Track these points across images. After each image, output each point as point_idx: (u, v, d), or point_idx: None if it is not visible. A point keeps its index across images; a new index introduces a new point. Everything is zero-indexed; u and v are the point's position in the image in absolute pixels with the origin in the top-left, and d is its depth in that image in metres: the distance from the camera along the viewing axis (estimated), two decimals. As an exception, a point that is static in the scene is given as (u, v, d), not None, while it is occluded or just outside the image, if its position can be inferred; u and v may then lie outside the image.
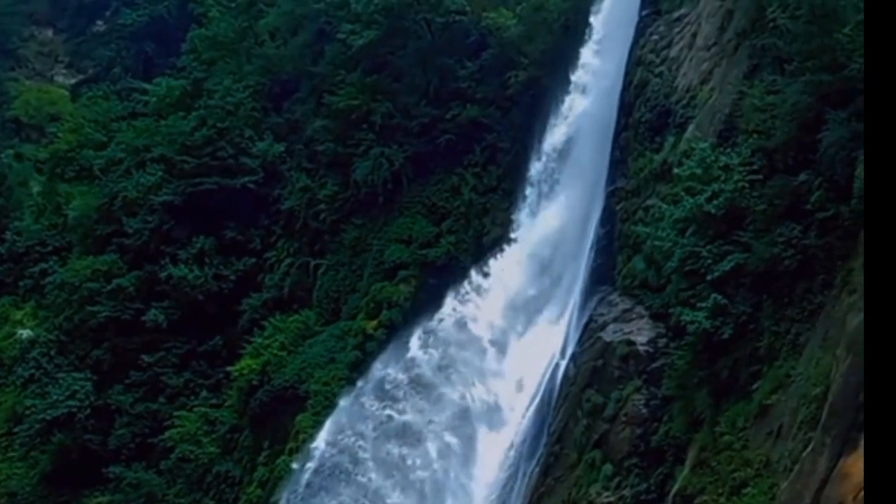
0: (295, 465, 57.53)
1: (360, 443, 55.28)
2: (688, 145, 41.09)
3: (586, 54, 54.87)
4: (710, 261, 36.46)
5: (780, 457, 32.11)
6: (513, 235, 58.11)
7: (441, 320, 57.11)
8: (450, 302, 57.74)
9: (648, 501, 38.51)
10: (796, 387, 32.61)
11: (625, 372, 40.94)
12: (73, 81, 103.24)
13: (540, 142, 57.84)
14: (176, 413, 66.92)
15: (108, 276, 70.62)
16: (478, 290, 57.71)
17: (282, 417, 61.45)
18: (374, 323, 60.71)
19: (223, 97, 71.28)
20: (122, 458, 67.48)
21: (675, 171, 40.31)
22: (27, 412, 70.19)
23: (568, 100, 55.83)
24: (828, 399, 30.06)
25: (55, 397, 68.93)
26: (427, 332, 56.96)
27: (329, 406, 58.77)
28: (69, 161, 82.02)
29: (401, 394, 55.73)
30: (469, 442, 52.55)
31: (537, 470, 43.73)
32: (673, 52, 45.90)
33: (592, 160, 51.31)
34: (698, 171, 37.85)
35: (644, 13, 48.60)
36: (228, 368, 65.46)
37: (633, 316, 42.06)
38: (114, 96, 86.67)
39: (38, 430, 69.68)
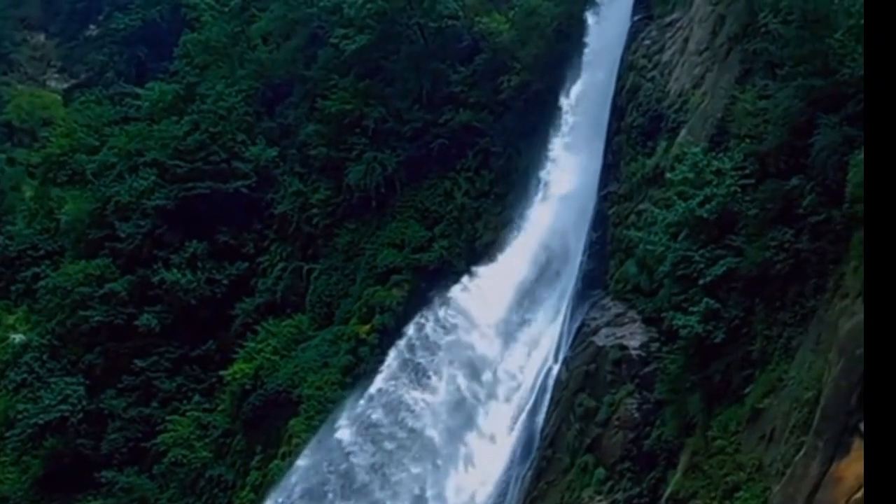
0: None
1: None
2: (680, 150, 41.13)
3: None
4: (702, 265, 36.48)
5: (773, 461, 32.14)
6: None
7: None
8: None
9: (641, 505, 38.54)
10: (788, 391, 32.66)
11: (617, 376, 40.95)
12: (65, 86, 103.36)
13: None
14: (169, 417, 66.90)
15: (101, 280, 70.58)
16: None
17: (275, 422, 61.45)
18: (367, 327, 60.76)
19: (216, 101, 71.31)
20: (114, 462, 67.44)
21: (668, 175, 40.36)
22: (19, 416, 70.14)
23: None
24: (820, 403, 30.11)
25: (47, 402, 68.87)
26: None
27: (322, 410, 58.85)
28: (62, 165, 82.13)
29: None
30: None
31: (530, 474, 43.71)
32: (665, 56, 45.95)
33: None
34: (690, 175, 37.90)
35: (636, 18, 48.66)
36: (221, 373, 65.45)
37: (626, 320, 42.08)
38: (106, 101, 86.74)
39: (30, 434, 69.64)
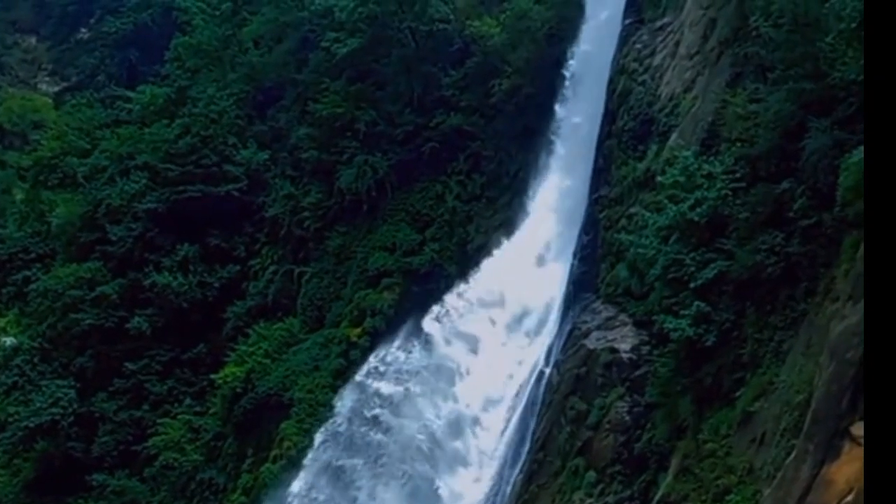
0: None
1: None
2: (671, 153, 41.14)
3: None
4: (693, 268, 36.48)
5: (764, 464, 32.15)
6: None
7: None
8: None
9: (632, 508, 38.59)
10: (779, 394, 32.68)
11: (608, 379, 40.99)
12: (56, 89, 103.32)
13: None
14: (160, 420, 66.91)
15: (92, 283, 70.54)
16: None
17: (266, 425, 61.45)
18: (358, 330, 60.78)
19: (207, 105, 71.30)
20: (105, 465, 67.47)
21: (659, 179, 40.33)
22: (10, 420, 70.09)
23: None
24: (811, 406, 30.11)
25: (38, 405, 68.81)
26: None
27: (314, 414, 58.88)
28: (53, 168, 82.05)
29: None
30: None
31: (521, 477, 43.76)
32: (656, 60, 45.98)
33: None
34: (681, 179, 37.89)
35: (627, 22, 48.71)
36: (212, 376, 65.44)
37: (617, 323, 42.12)
38: (97, 104, 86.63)
39: (21, 437, 69.62)
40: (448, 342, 55.24)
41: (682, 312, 36.35)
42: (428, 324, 56.20)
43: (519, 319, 53.52)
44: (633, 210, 43.75)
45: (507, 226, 58.04)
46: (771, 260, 34.42)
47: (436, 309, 56.52)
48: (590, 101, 51.66)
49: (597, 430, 40.43)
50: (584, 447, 40.76)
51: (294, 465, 57.73)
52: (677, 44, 45.00)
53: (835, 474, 28.44)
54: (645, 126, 45.10)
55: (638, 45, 47.11)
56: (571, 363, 42.64)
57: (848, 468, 27.89)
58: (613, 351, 41.17)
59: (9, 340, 75.19)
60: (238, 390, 63.09)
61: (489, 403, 51.37)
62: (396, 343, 57.96)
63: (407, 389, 55.01)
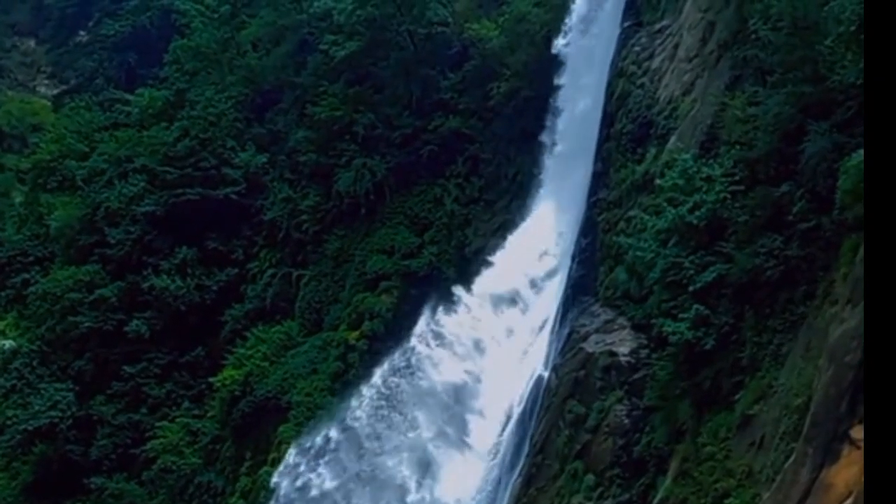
0: None
1: None
2: (670, 156, 41.08)
3: None
4: (692, 271, 36.42)
5: (763, 467, 32.10)
6: None
7: None
8: None
9: (630, 512, 38.52)
10: (778, 397, 32.63)
11: (607, 383, 40.90)
12: (55, 92, 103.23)
13: None
14: (158, 424, 66.90)
15: (91, 286, 70.54)
16: None
17: (264, 428, 61.42)
18: (357, 334, 60.73)
19: (205, 108, 71.31)
20: (103, 468, 67.44)
21: (657, 181, 40.26)
22: (9, 423, 70.10)
23: None
24: (810, 409, 30.05)
25: (37, 408, 68.79)
26: None
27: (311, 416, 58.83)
28: (51, 171, 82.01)
29: None
30: None
31: (519, 480, 43.67)
32: (655, 63, 45.93)
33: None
34: (680, 182, 37.83)
35: (626, 24, 48.67)
36: (211, 379, 65.44)
37: (615, 327, 42.03)
38: (96, 107, 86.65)
39: (19, 440, 69.61)
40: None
41: (680, 316, 36.28)
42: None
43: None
44: (631, 213, 43.68)
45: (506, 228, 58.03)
46: (770, 263, 34.37)
47: None
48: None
49: (595, 433, 40.34)
50: (583, 450, 40.68)
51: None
52: (676, 46, 44.95)
53: (834, 478, 28.39)
54: (644, 129, 45.04)
55: (637, 48, 47.07)
56: (570, 366, 42.55)
57: (847, 472, 27.84)
58: (612, 354, 41.08)
59: (7, 343, 75.13)
60: (236, 393, 63.05)
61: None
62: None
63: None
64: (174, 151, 70.62)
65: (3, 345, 75.27)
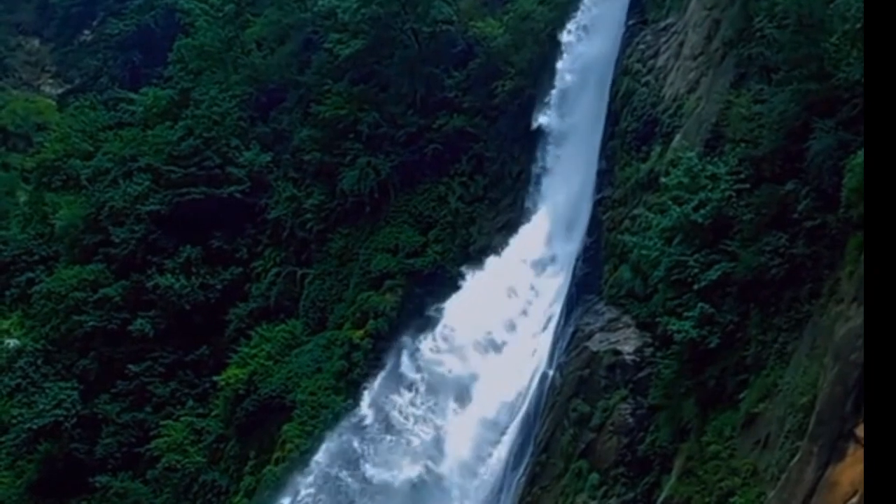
0: None
1: None
2: (674, 154, 41.03)
3: None
4: (696, 270, 36.38)
5: (768, 466, 32.04)
6: None
7: None
8: None
9: (635, 511, 38.46)
10: (783, 396, 32.55)
11: (611, 381, 40.86)
12: (59, 91, 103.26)
13: None
14: (162, 422, 66.85)
15: (95, 285, 70.52)
16: None
17: (268, 427, 61.36)
18: (361, 332, 60.62)
19: (210, 107, 71.23)
20: (108, 467, 67.39)
21: (662, 180, 40.24)
22: (13, 421, 70.08)
23: None
24: (815, 408, 29.99)
25: (42, 406, 68.79)
26: None
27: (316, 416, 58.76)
28: (56, 170, 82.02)
29: None
30: None
31: (523, 479, 43.64)
32: (660, 61, 45.89)
33: None
34: (685, 180, 37.78)
35: (630, 22, 48.58)
36: (215, 378, 65.33)
37: (620, 325, 41.99)
38: (101, 106, 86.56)
39: (24, 439, 69.59)
40: None
41: (685, 314, 36.26)
42: None
43: None
44: (636, 211, 43.64)
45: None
46: (775, 261, 34.32)
47: None
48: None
49: (600, 432, 40.30)
50: (588, 449, 40.63)
51: (297, 467, 57.56)
52: (681, 44, 44.90)
53: (839, 476, 28.33)
54: (648, 127, 45.00)
55: (641, 46, 47.01)
56: (574, 365, 42.50)
57: (852, 470, 27.79)
58: (617, 353, 41.06)
59: (12, 342, 75.19)
60: (240, 392, 62.98)
61: None
62: None
63: None
64: (178, 150, 70.56)
65: (8, 344, 75.34)
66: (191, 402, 67.49)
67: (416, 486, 52.14)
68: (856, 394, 28.38)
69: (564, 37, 55.41)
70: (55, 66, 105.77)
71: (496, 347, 53.03)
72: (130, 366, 68.72)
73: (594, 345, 41.98)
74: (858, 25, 30.96)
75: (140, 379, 68.60)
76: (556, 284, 51.62)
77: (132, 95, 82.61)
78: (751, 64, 38.97)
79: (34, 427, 68.67)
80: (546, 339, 49.41)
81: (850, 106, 32.46)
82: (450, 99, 63.82)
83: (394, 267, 61.83)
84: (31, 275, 78.99)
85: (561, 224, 52.93)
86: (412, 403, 54.49)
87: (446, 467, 51.39)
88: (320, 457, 55.89)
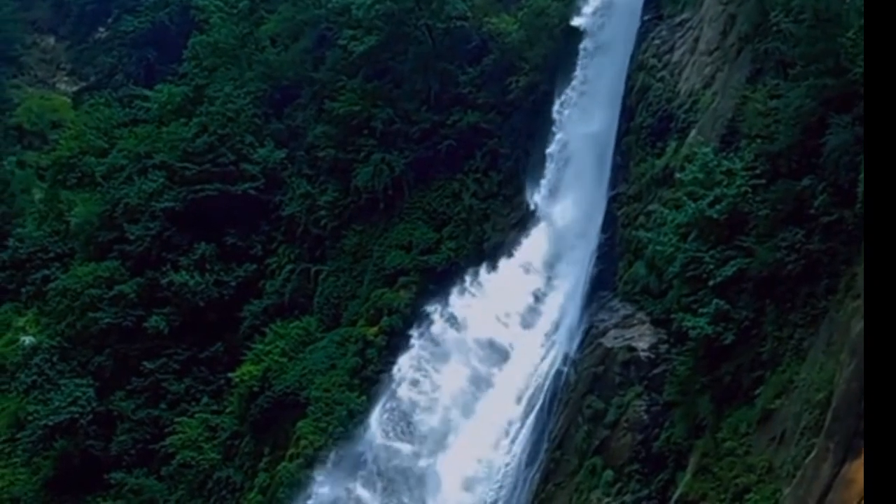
0: None
1: None
2: (690, 150, 40.95)
3: None
4: (712, 266, 36.31)
5: (783, 462, 31.93)
6: None
7: None
8: None
9: (650, 507, 38.34)
10: (799, 392, 32.43)
11: (626, 378, 40.76)
12: (75, 88, 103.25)
13: None
14: (177, 419, 66.84)
15: (110, 282, 70.54)
16: None
17: (282, 423, 61.32)
18: (375, 329, 60.56)
19: (224, 103, 71.20)
20: (123, 464, 67.46)
21: (678, 175, 40.18)
22: (29, 418, 70.26)
23: None
24: (831, 404, 29.87)
25: (57, 403, 68.88)
26: None
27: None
28: (71, 168, 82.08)
29: None
30: None
31: (538, 476, 43.56)
32: (675, 56, 45.75)
33: None
34: (700, 175, 37.70)
35: (646, 18, 48.39)
36: (229, 375, 65.33)
37: (635, 322, 41.88)
38: (115, 103, 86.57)
39: (40, 435, 69.75)
40: None
41: (700, 310, 36.20)
42: None
43: None
44: (651, 207, 43.53)
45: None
46: (791, 257, 34.21)
47: None
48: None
49: (614, 428, 40.21)
50: (602, 446, 40.55)
51: (311, 464, 57.64)
52: (696, 40, 44.77)
53: (855, 473, 28.20)
54: (664, 123, 44.88)
55: (657, 41, 46.84)
56: (589, 362, 42.41)
57: (869, 467, 27.60)
58: (631, 349, 40.96)
59: (28, 339, 75.31)
60: (255, 389, 62.96)
61: None
62: None
63: None
64: (193, 147, 70.52)
65: (24, 341, 75.48)
66: (205, 399, 67.47)
67: None
68: (873, 390, 28.20)
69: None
70: (70, 63, 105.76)
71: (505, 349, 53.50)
72: (145, 363, 68.74)
73: (609, 341, 41.89)
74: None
75: (155, 376, 68.61)
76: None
77: (147, 92, 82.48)
78: (767, 59, 38.86)
79: (50, 424, 68.78)
80: (560, 335, 49.30)
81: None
82: (464, 95, 63.67)
83: (408, 264, 61.73)
84: (46, 272, 79.06)
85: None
86: None
87: None
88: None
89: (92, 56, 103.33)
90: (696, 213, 37.01)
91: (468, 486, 50.38)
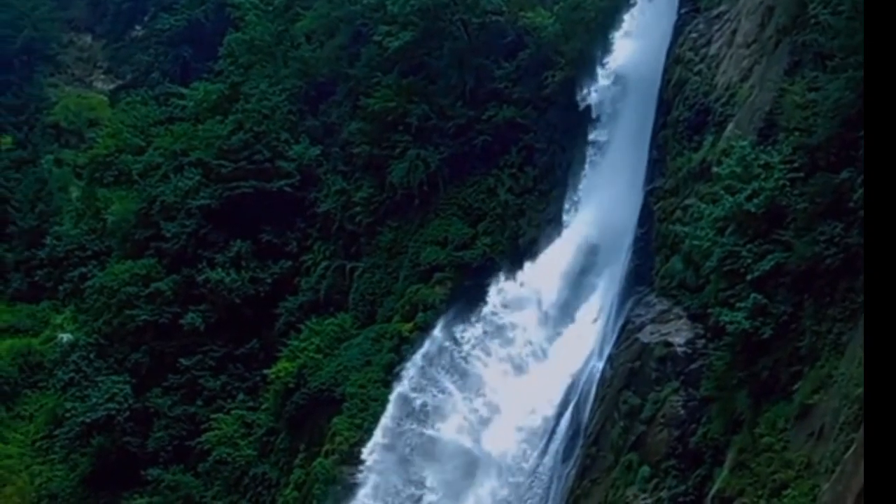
0: None
1: None
2: (727, 144, 40.53)
3: None
4: (749, 260, 35.93)
5: (822, 458, 31.57)
6: None
7: None
8: None
9: (686, 503, 38.03)
10: (838, 387, 32.05)
11: (662, 373, 40.39)
12: (111, 87, 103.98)
13: None
14: (213, 416, 67.23)
15: (147, 280, 70.98)
16: None
17: (318, 420, 61.43)
18: (410, 325, 60.49)
19: (260, 101, 71.41)
20: (160, 460, 67.91)
21: (715, 169, 39.77)
22: (67, 415, 70.91)
23: None
24: (871, 399, 29.49)
25: (95, 400, 69.40)
26: None
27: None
28: (108, 166, 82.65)
29: None
30: None
31: (573, 472, 43.31)
32: (712, 49, 45.29)
33: None
34: (738, 169, 37.32)
35: (683, 11, 47.99)
36: (265, 371, 65.56)
37: (671, 317, 41.48)
38: (152, 101, 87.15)
39: (78, 432, 70.40)
40: None
41: (738, 305, 35.80)
42: None
43: None
44: (688, 201, 43.12)
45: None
46: (830, 251, 33.79)
47: None
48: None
49: (651, 424, 39.84)
50: (638, 442, 40.20)
51: (346, 460, 57.66)
52: (734, 32, 44.31)
53: (895, 469, 27.79)
54: (701, 116, 44.41)
55: (693, 35, 46.42)
56: (625, 357, 42.09)
57: (909, 463, 27.23)
58: (668, 345, 40.56)
59: (66, 337, 75.96)
60: (290, 386, 63.07)
61: None
62: None
63: None
64: (229, 145, 70.78)
65: (62, 338, 76.13)
66: (241, 396, 67.74)
67: None
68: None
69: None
70: (107, 61, 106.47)
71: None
72: (181, 359, 69.13)
73: (645, 336, 41.51)
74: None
75: (191, 372, 69.00)
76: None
77: (183, 90, 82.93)
78: (805, 51, 38.39)
79: (87, 420, 69.35)
80: (597, 330, 49.04)
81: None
82: (499, 90, 63.43)
83: (443, 260, 61.62)
84: (83, 270, 79.75)
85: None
86: None
87: None
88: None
89: (128, 54, 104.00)
90: (733, 207, 36.63)
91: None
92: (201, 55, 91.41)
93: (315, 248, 68.86)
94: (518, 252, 58.92)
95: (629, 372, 41.68)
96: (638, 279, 45.49)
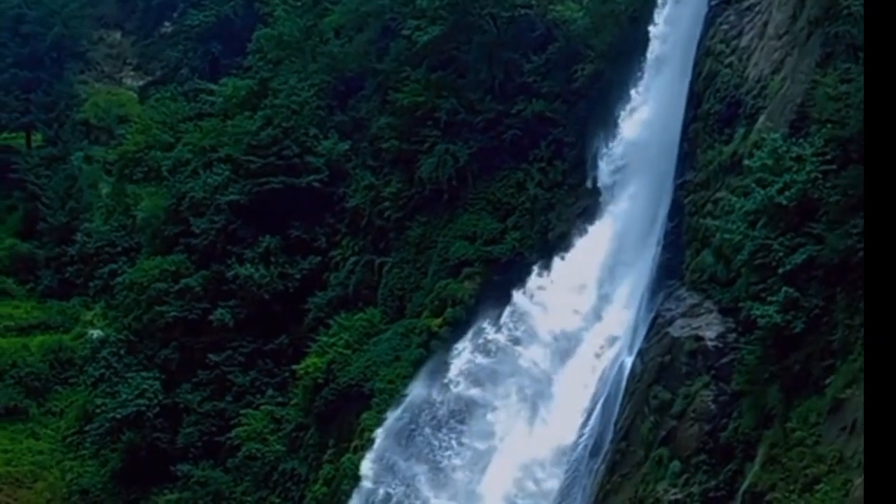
0: None
1: None
2: (759, 136, 40.23)
3: None
4: (781, 253, 35.69)
5: (854, 453, 31.33)
6: None
7: None
8: None
9: (717, 499, 37.67)
10: (871, 381, 31.70)
11: (693, 368, 40.11)
12: (141, 83, 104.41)
13: None
14: (242, 411, 67.28)
15: (176, 276, 71.08)
16: None
17: (347, 415, 61.44)
18: (439, 320, 60.23)
19: (289, 96, 71.37)
20: (189, 456, 68.06)
21: (746, 162, 39.48)
22: (98, 411, 71.23)
23: None
24: (904, 393, 29.12)
25: (125, 396, 69.63)
26: None
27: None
28: (137, 162, 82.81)
29: None
30: None
31: (603, 467, 43.08)
32: (743, 41, 44.91)
33: None
34: (769, 162, 37.05)
35: (713, 3, 47.60)
36: (294, 367, 65.58)
37: (702, 311, 41.18)
38: (181, 97, 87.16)
39: (108, 428, 70.71)
40: None
41: (769, 299, 35.58)
42: None
43: None
44: (719, 195, 42.82)
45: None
46: (862, 244, 33.41)
47: None
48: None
49: (681, 419, 39.55)
50: (668, 437, 39.93)
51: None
52: (765, 24, 43.92)
53: (930, 464, 27.42)
54: (732, 109, 44.04)
55: (724, 27, 46.02)
56: (655, 351, 41.81)
57: (944, 457, 26.86)
58: (698, 339, 40.27)
59: (96, 333, 76.25)
60: (319, 381, 63.08)
61: None
62: None
63: None
64: (257, 140, 70.75)
65: (92, 334, 76.41)
66: (270, 391, 67.75)
67: None
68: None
69: None
70: (136, 58, 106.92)
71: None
72: (211, 355, 69.19)
73: (675, 331, 41.25)
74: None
75: (220, 368, 69.05)
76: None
77: (212, 86, 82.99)
78: (837, 42, 38.02)
79: (118, 416, 69.56)
80: (626, 324, 48.77)
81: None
82: (528, 84, 63.12)
83: (472, 254, 61.35)
84: (113, 266, 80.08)
85: None
86: None
87: None
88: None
89: (157, 51, 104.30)
90: (764, 200, 36.37)
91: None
92: (230, 51, 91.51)
93: (344, 244, 68.75)
94: (547, 246, 58.62)
95: (659, 366, 41.42)
96: (668, 273, 45.17)
